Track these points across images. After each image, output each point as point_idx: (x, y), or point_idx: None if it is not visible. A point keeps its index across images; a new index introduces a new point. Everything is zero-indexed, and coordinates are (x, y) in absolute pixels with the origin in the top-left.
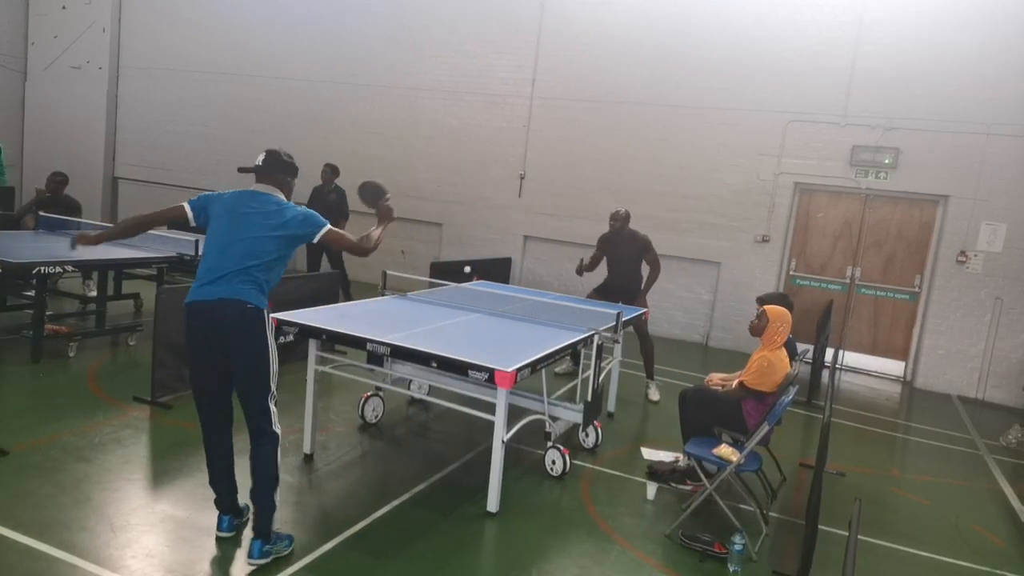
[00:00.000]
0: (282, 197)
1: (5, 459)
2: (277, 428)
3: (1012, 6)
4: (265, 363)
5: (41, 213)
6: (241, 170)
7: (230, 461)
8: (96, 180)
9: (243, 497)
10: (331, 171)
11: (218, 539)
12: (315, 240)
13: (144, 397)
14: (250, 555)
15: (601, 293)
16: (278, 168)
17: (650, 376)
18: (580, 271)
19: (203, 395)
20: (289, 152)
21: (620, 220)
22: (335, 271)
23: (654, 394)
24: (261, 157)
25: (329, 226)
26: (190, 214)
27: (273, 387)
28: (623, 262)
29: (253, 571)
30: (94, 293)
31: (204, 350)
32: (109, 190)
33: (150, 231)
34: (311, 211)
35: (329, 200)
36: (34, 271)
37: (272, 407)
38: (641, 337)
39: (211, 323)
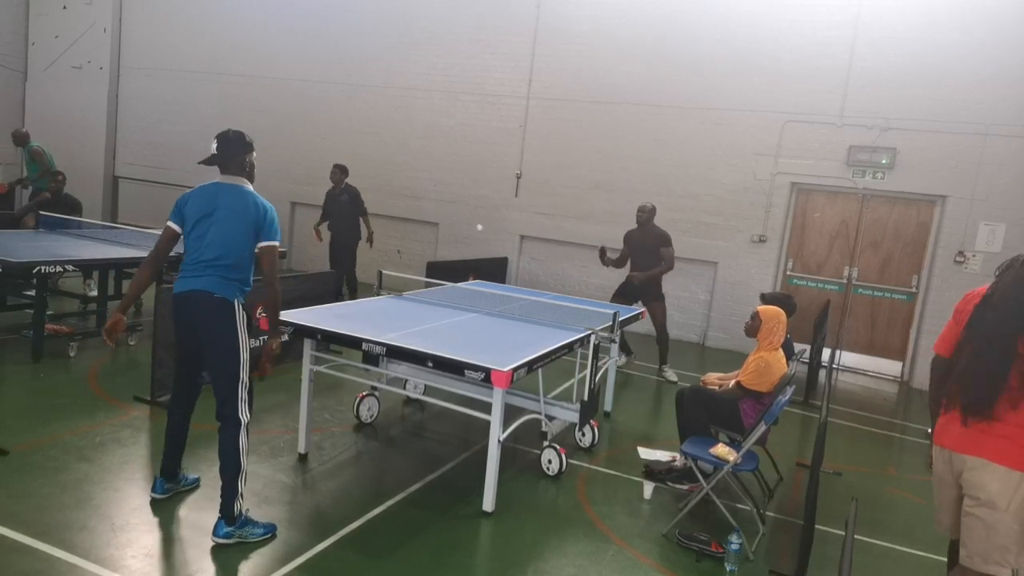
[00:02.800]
0: (249, 186)
1: (5, 459)
2: (243, 415)
3: (1010, 6)
4: (234, 352)
5: (41, 212)
6: (201, 163)
7: (182, 435)
8: (96, 179)
9: (198, 471)
10: (339, 171)
11: (207, 538)
12: (257, 247)
13: (144, 397)
14: (214, 532)
15: (621, 294)
16: (234, 150)
17: (664, 361)
18: (603, 259)
19: (180, 375)
20: (239, 130)
21: (647, 213)
22: (333, 271)
23: (672, 375)
24: (214, 145)
25: (277, 244)
26: (177, 228)
27: (244, 376)
28: (642, 259)
29: (245, 567)
30: (95, 293)
31: (182, 337)
32: (109, 189)
33: (152, 231)
34: (274, 215)
35: (341, 202)
36: (34, 271)
37: (241, 394)
38: (658, 329)
39: (185, 314)
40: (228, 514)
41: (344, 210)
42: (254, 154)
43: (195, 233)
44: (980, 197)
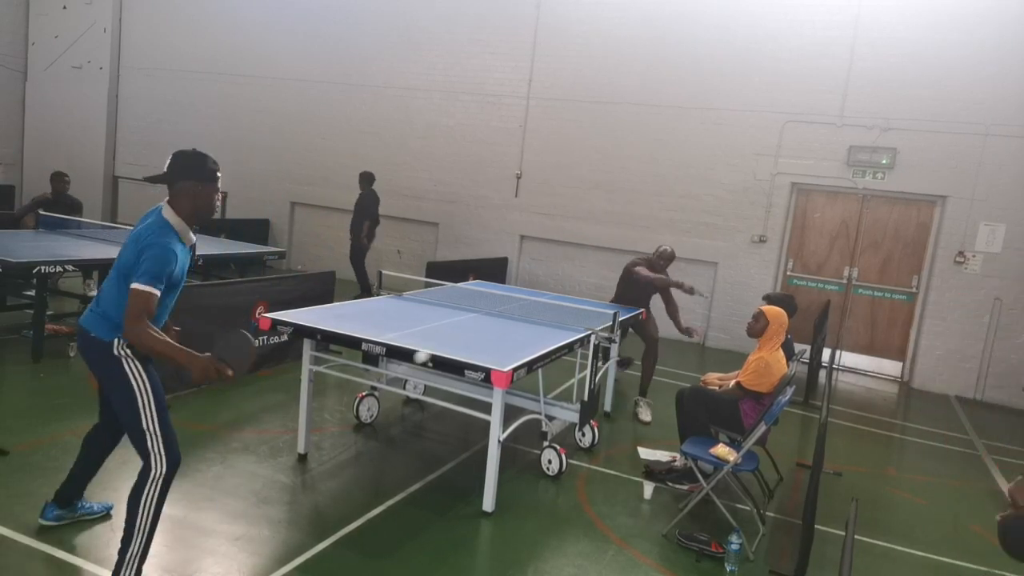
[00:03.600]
0: (168, 214)
1: (5, 459)
2: (156, 465)
3: (1010, 6)
4: (126, 397)
5: (41, 212)
6: (145, 179)
7: (92, 460)
8: (96, 179)
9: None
10: (361, 179)
11: (215, 539)
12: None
13: None
14: None
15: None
16: (178, 173)
17: (643, 392)
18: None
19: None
20: (200, 152)
21: (667, 260)
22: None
23: (644, 414)
24: (167, 162)
25: (141, 288)
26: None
27: (148, 422)
28: (629, 291)
29: (245, 567)
30: (94, 292)
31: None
32: (109, 189)
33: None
34: (155, 253)
35: (357, 207)
36: (35, 270)
37: (151, 445)
38: (647, 343)
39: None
40: None
41: (356, 213)
42: (202, 185)
43: None
44: (980, 197)
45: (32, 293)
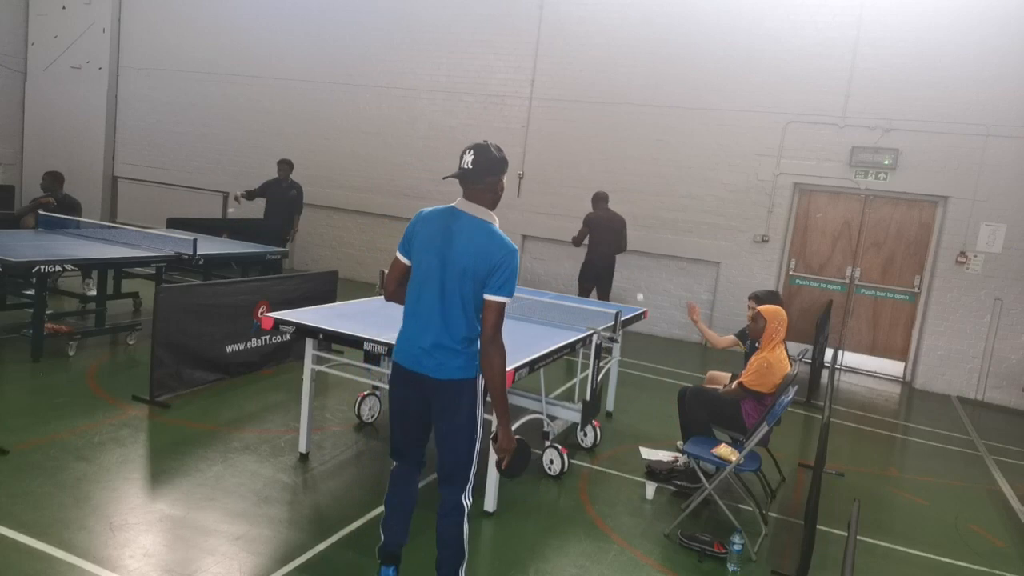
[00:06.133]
0: (491, 219)
1: (5, 458)
2: (466, 500)
3: (1011, 7)
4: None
5: (41, 212)
6: (454, 177)
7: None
8: (96, 179)
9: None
10: (288, 167)
11: (216, 539)
12: (485, 297)
13: (143, 396)
14: None
15: (586, 278)
16: (487, 169)
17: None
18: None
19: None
20: (498, 145)
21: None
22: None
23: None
24: (470, 158)
25: (502, 300)
26: (404, 260)
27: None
28: (604, 242)
29: (245, 567)
30: (94, 292)
31: (410, 413)
32: (109, 189)
33: (151, 231)
34: (515, 269)
35: (289, 196)
36: (34, 270)
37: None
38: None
39: (418, 394)
40: None
41: (290, 205)
42: (502, 179)
43: (418, 277)
44: (981, 198)
45: (32, 292)
